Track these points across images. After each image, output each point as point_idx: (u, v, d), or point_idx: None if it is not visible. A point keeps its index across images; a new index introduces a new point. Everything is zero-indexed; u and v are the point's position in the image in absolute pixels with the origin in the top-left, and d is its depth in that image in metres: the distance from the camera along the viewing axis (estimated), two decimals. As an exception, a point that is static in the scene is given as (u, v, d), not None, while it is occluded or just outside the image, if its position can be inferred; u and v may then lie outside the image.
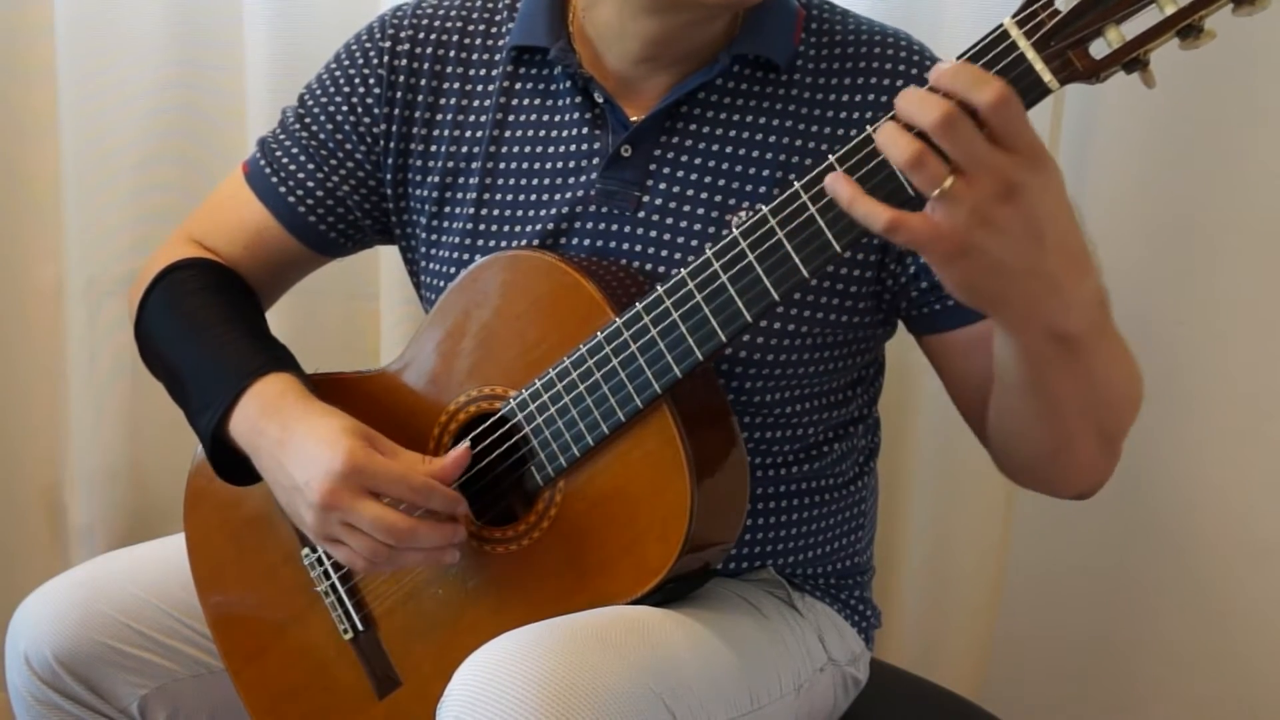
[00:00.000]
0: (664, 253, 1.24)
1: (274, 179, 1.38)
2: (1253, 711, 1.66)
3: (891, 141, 0.93)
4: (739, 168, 1.24)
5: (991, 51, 0.95)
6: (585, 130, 1.27)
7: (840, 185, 0.96)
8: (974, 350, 1.22)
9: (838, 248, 1.03)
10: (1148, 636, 1.70)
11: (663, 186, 1.25)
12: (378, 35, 1.35)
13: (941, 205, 0.93)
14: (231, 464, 1.27)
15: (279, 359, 1.28)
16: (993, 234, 0.94)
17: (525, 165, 1.29)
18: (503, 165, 1.30)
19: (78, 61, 1.91)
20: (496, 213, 1.30)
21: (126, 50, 1.91)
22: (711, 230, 1.22)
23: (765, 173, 1.23)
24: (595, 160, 1.26)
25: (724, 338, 1.10)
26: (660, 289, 1.11)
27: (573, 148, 1.28)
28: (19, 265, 2.03)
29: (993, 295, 0.99)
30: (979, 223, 0.93)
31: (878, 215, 0.94)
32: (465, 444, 1.19)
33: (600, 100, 1.26)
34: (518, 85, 1.31)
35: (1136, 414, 1.17)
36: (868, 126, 1.00)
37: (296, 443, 1.18)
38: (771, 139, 1.24)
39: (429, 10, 1.35)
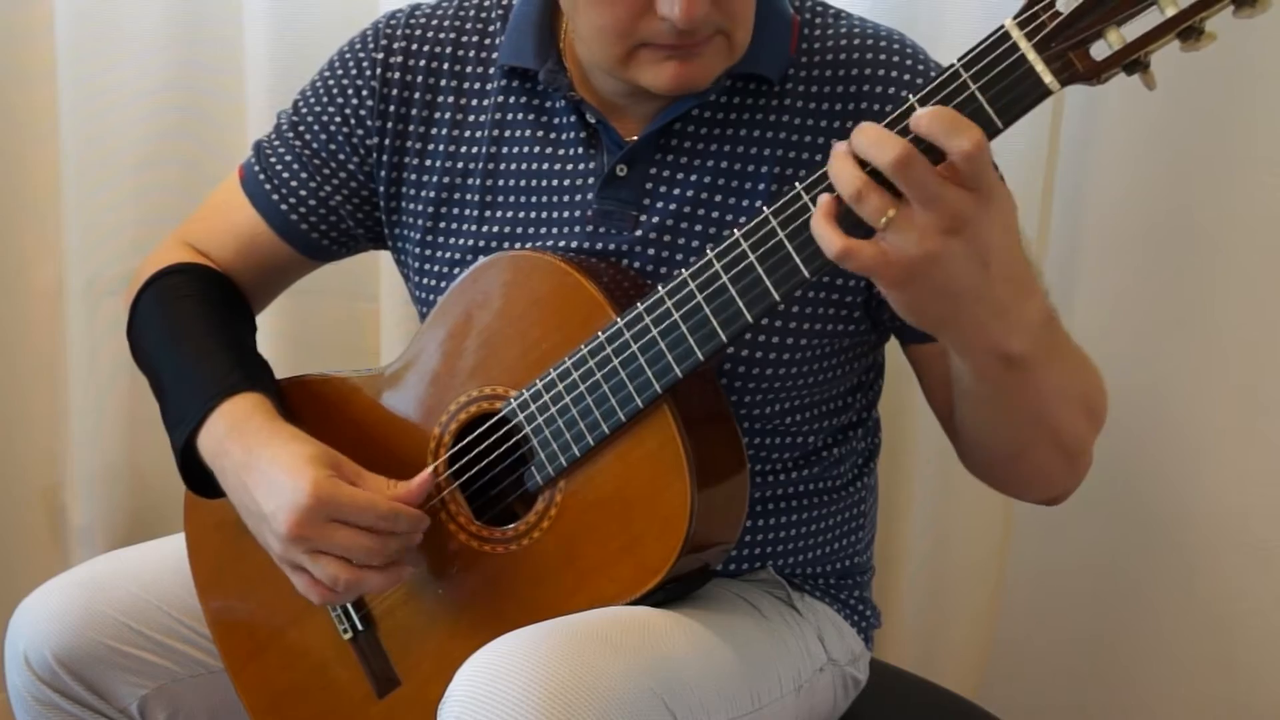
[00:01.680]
0: (663, 270, 1.24)
1: (268, 185, 1.38)
2: (1252, 711, 1.66)
3: (838, 174, 0.96)
4: (735, 182, 1.23)
5: (993, 53, 0.96)
6: (580, 150, 1.27)
7: (815, 216, 0.99)
8: (947, 359, 1.23)
9: (839, 249, 1.04)
10: (1147, 636, 1.70)
11: (660, 205, 1.24)
12: (370, 45, 1.34)
13: (889, 234, 0.96)
14: (202, 478, 1.27)
15: (252, 377, 1.28)
16: (937, 263, 0.97)
17: (524, 183, 1.29)
18: (501, 183, 1.30)
19: (78, 62, 1.91)
20: (497, 229, 1.29)
21: (126, 50, 1.91)
22: (710, 246, 1.22)
23: (762, 186, 1.23)
24: (591, 180, 1.26)
25: (724, 338, 1.10)
26: (661, 289, 1.11)
27: (569, 167, 1.27)
28: (19, 265, 2.03)
29: (938, 318, 1.03)
30: (925, 252, 0.96)
31: (828, 238, 0.98)
32: (429, 470, 1.20)
33: (593, 121, 1.26)
34: (512, 99, 1.30)
35: (1099, 425, 1.20)
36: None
37: (261, 468, 1.18)
38: (767, 152, 1.23)
39: (422, 20, 1.34)
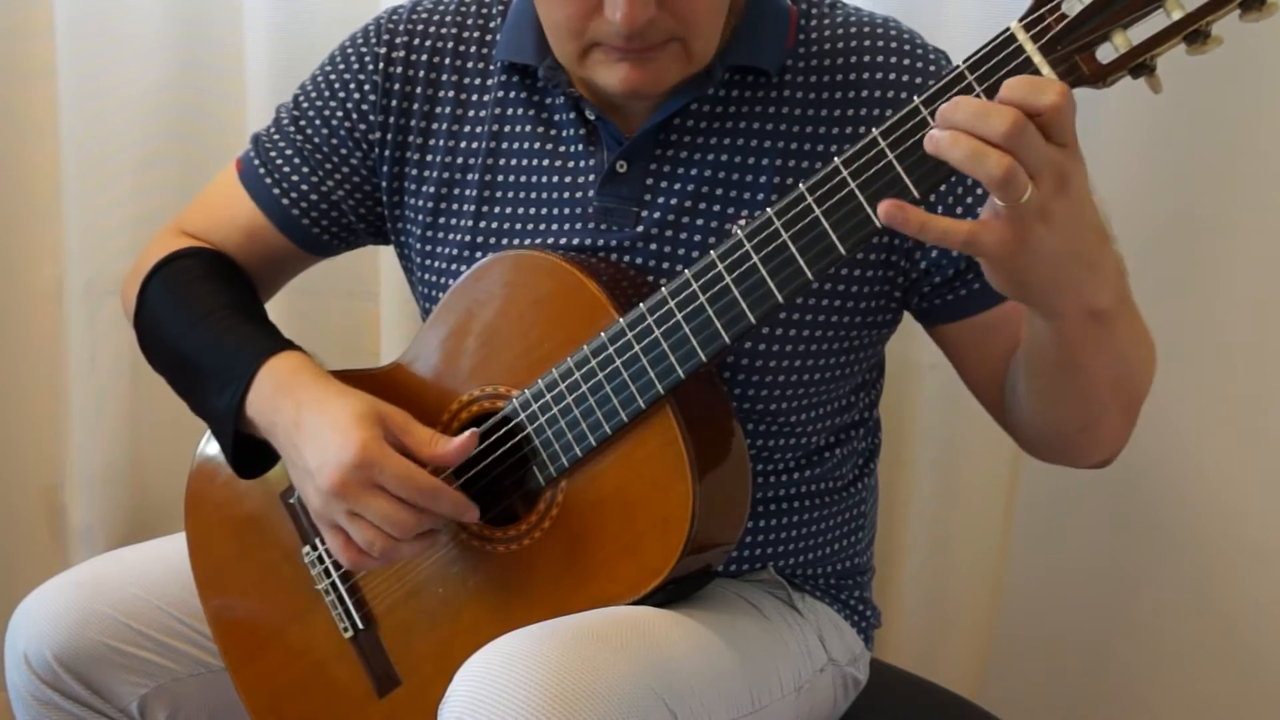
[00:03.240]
0: (665, 265, 1.23)
1: (268, 179, 1.37)
2: (1252, 710, 1.66)
3: (978, 158, 0.91)
4: (736, 176, 1.23)
5: (998, 55, 0.96)
6: (580, 147, 1.27)
7: (907, 213, 0.95)
8: (990, 333, 1.23)
9: (842, 250, 1.04)
10: (1147, 636, 1.70)
11: (661, 200, 1.24)
12: (373, 40, 1.34)
13: (1009, 208, 0.93)
14: (244, 451, 1.27)
15: (286, 342, 1.28)
16: (1050, 227, 0.94)
17: (524, 179, 1.29)
18: (500, 178, 1.30)
19: (78, 62, 1.91)
20: (495, 225, 1.29)
21: (126, 51, 1.91)
22: (712, 241, 1.22)
23: (763, 179, 1.23)
24: (592, 177, 1.26)
25: (727, 339, 1.10)
26: (664, 290, 1.12)
27: (569, 164, 1.27)
28: (19, 265, 2.03)
29: (1042, 285, 0.99)
30: (1039, 219, 0.93)
31: (957, 231, 0.94)
32: (473, 430, 1.19)
33: (592, 117, 1.26)
34: (512, 94, 1.30)
35: (1153, 379, 1.18)
36: (872, 129, 1.01)
37: (310, 425, 1.18)
38: (767, 144, 1.23)
39: (423, 15, 1.34)
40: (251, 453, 1.27)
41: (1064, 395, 1.14)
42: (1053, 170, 0.92)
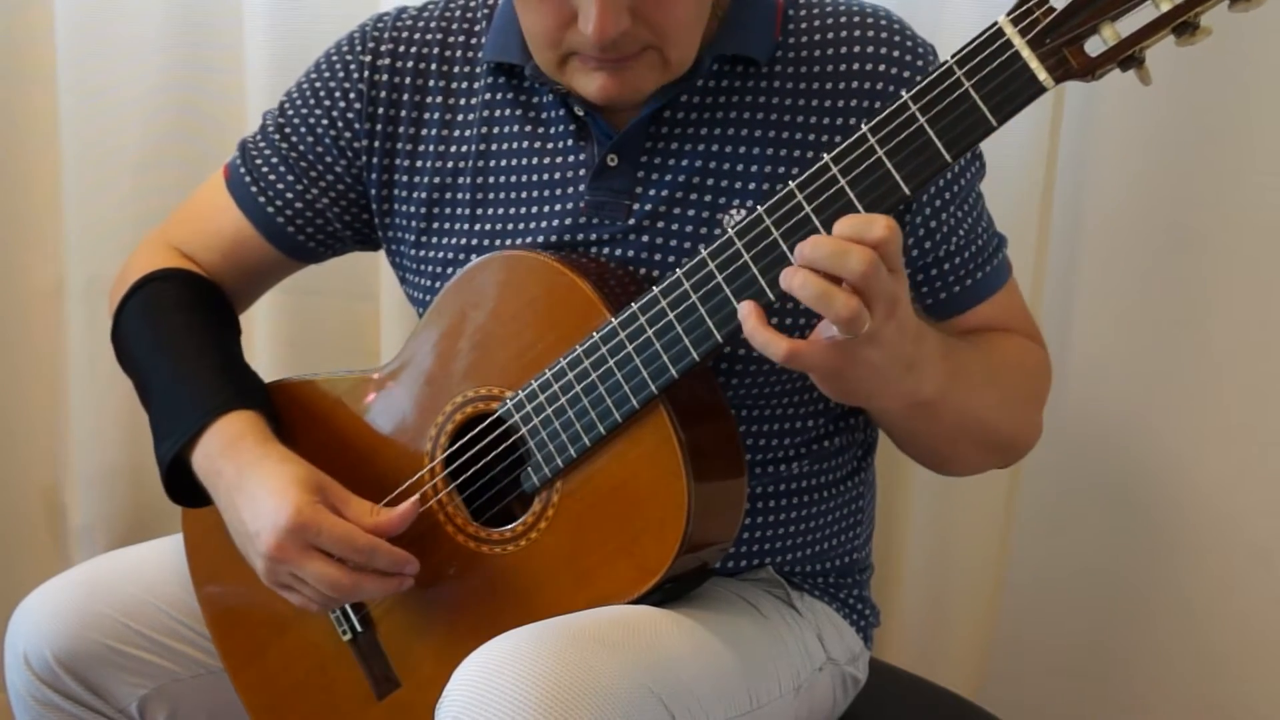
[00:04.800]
0: (657, 256, 1.23)
1: (254, 188, 1.38)
2: (1252, 711, 1.66)
3: (826, 299, 0.98)
4: (727, 166, 1.23)
5: (987, 49, 0.96)
6: (570, 142, 1.27)
7: (748, 311, 1.03)
8: None
9: (832, 248, 1.04)
10: (1147, 637, 1.70)
11: (652, 193, 1.24)
12: (358, 48, 1.34)
13: (842, 332, 1.00)
14: (186, 488, 1.29)
15: (244, 393, 1.28)
16: (878, 346, 1.03)
17: (515, 179, 1.29)
18: (493, 179, 1.30)
19: (78, 63, 1.91)
20: (490, 226, 1.29)
21: (127, 51, 1.91)
22: (704, 232, 1.22)
23: (754, 168, 1.23)
24: (583, 172, 1.26)
25: (720, 338, 1.09)
26: (656, 289, 1.11)
27: (559, 159, 1.27)
28: (19, 265, 2.03)
29: (866, 392, 1.09)
30: (868, 342, 1.01)
31: (778, 346, 1.02)
32: (414, 499, 1.21)
33: (581, 113, 1.25)
34: (500, 95, 1.30)
35: (1032, 409, 1.32)
36: (862, 124, 1.01)
37: (249, 489, 1.20)
38: (758, 134, 1.23)
39: (408, 23, 1.34)
40: (198, 490, 1.28)
41: (910, 447, 1.30)
42: (887, 299, 1.00)
